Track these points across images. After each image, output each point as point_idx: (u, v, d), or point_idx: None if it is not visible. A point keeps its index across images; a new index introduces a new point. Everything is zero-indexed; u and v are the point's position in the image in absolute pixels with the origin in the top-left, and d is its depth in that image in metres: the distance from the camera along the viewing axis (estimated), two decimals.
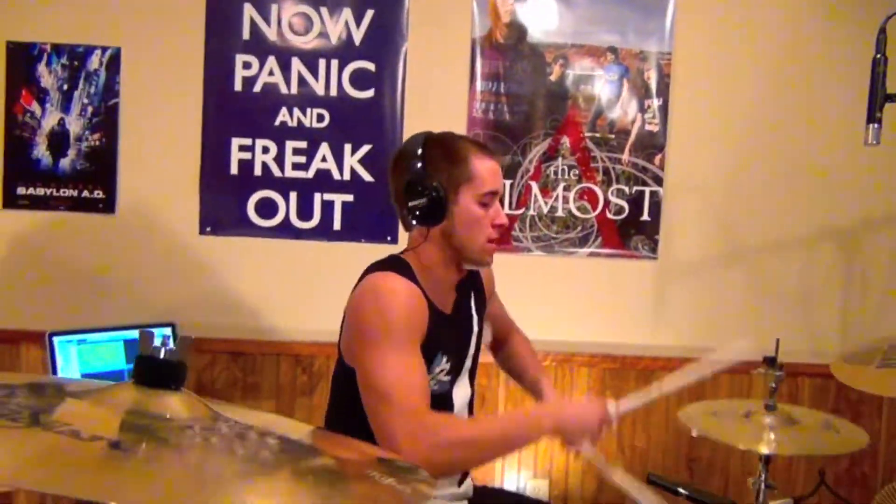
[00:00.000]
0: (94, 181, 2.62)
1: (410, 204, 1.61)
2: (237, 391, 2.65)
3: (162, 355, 0.70)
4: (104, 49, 2.58)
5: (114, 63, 2.59)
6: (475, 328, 1.80)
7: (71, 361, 2.27)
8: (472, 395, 1.81)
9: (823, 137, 2.72)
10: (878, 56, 1.70)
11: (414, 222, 1.65)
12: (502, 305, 2.01)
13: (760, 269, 2.75)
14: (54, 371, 2.24)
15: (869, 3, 2.47)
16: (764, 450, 1.70)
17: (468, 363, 1.77)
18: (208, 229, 2.64)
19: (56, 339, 2.26)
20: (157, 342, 0.71)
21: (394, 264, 1.66)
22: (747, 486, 1.85)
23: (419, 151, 1.63)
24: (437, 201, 1.60)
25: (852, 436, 1.72)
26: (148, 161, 2.63)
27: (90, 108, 2.61)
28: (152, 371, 0.69)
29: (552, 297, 2.72)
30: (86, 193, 2.62)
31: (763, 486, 1.79)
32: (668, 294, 2.73)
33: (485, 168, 1.63)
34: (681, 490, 1.83)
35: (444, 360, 1.65)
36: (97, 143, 2.61)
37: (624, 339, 2.72)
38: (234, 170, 2.63)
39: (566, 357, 2.69)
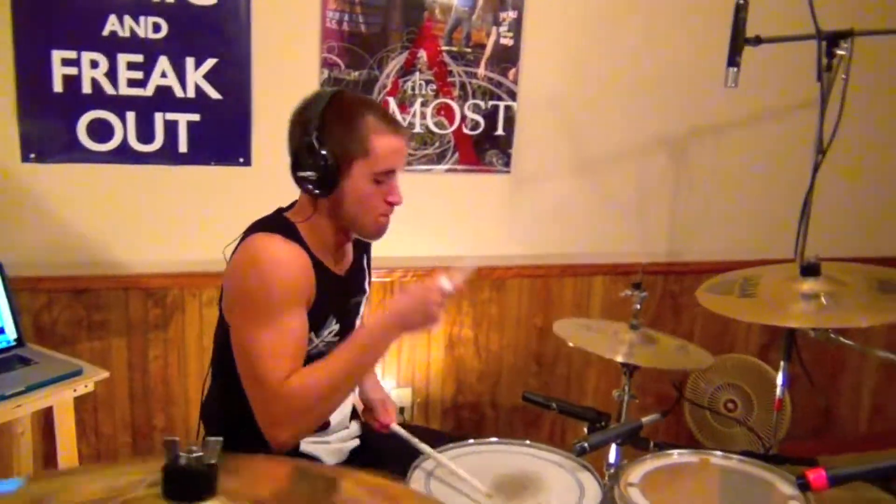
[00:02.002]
0: None
1: (299, 174, 1.53)
2: (82, 331, 2.46)
3: (189, 463, 0.61)
4: None
5: None
6: (366, 288, 1.79)
7: None
8: None
9: (656, 53, 2.87)
10: (741, 1, 1.79)
11: (302, 190, 1.57)
12: None
13: (603, 178, 2.93)
14: None
15: None
16: (621, 359, 1.88)
17: (358, 322, 1.77)
18: (32, 156, 2.34)
19: None
20: (182, 451, 0.62)
21: (279, 226, 1.58)
22: (611, 397, 2.06)
23: (318, 113, 1.52)
24: (326, 174, 1.51)
25: (700, 356, 1.95)
26: None
27: None
28: (182, 483, 0.60)
29: (411, 214, 2.67)
30: None
31: (627, 397, 1.99)
32: (519, 206, 2.84)
33: (384, 145, 1.54)
34: (553, 405, 1.98)
35: (334, 321, 1.64)
36: None
37: (480, 252, 2.82)
38: (57, 87, 2.31)
39: (426, 272, 2.75)
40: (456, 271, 1.57)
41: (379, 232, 1.64)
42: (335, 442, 1.77)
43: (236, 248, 1.58)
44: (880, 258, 3.24)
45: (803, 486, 1.41)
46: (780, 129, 3.05)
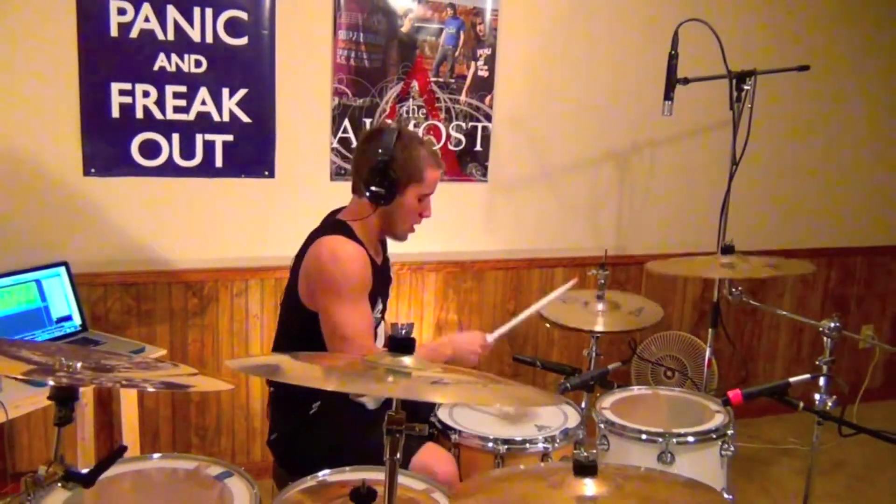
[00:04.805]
0: None
1: (372, 189, 2.01)
2: (132, 318, 2.89)
3: (401, 335, 1.19)
4: None
5: None
6: (391, 276, 2.31)
7: None
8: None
9: (604, 83, 3.47)
10: (673, 52, 2.39)
11: (368, 200, 2.06)
12: None
13: (561, 185, 3.51)
14: None
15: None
16: (599, 329, 2.45)
17: (388, 301, 2.29)
18: (93, 171, 2.77)
19: None
20: (398, 329, 1.21)
21: (341, 229, 2.07)
22: (582, 355, 2.62)
23: (390, 144, 2.01)
24: (391, 190, 2.03)
25: (654, 312, 2.53)
26: (23, 108, 2.66)
27: None
28: (398, 344, 1.19)
29: None
30: None
31: (594, 354, 2.55)
32: (495, 209, 3.40)
33: (432, 176, 2.09)
34: (538, 363, 2.52)
35: (380, 301, 2.16)
36: None
37: (462, 248, 3.36)
38: (115, 113, 2.76)
39: (418, 266, 3.28)
40: (494, 332, 2.22)
41: (407, 236, 2.18)
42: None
43: (305, 249, 2.06)
44: (780, 250, 3.92)
45: (725, 402, 1.99)
46: (702, 146, 3.70)
